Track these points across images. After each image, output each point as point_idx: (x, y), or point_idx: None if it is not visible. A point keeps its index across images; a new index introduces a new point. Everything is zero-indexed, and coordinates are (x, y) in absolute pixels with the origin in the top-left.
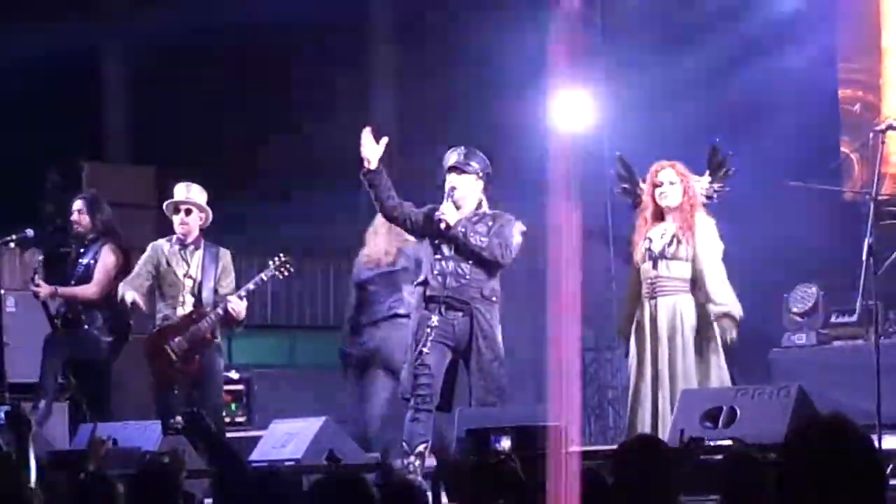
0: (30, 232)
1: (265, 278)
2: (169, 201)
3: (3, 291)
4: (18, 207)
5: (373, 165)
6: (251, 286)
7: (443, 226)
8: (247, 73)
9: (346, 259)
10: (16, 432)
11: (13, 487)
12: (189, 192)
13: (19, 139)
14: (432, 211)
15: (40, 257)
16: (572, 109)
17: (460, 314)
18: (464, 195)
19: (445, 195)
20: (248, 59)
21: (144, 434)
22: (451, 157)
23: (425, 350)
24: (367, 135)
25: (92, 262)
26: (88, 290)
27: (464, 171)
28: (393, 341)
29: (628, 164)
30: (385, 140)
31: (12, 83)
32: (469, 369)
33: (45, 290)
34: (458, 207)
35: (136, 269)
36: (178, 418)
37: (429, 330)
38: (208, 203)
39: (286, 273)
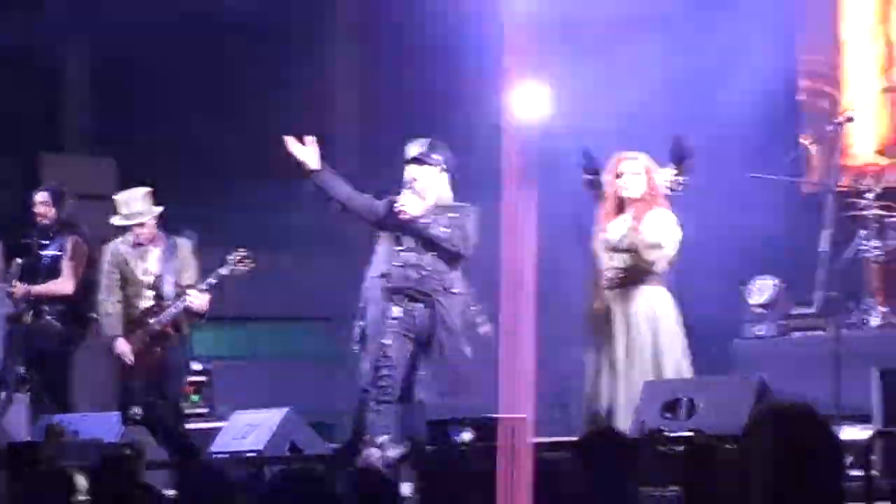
0: None
1: (225, 272)
2: (119, 218)
3: None
4: None
5: (315, 166)
6: (212, 280)
7: (403, 217)
8: (210, 67)
9: (306, 250)
10: None
11: None
12: (134, 207)
13: None
14: (393, 202)
15: (20, 261)
16: (530, 102)
17: (422, 306)
18: (425, 187)
19: (405, 186)
20: (211, 52)
21: (104, 425)
22: (413, 149)
23: (387, 342)
24: (290, 141)
25: (58, 254)
26: (62, 286)
27: (425, 163)
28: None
29: (592, 155)
30: (311, 139)
31: None
32: (431, 361)
33: (20, 290)
34: (420, 199)
35: (105, 279)
36: (137, 409)
37: (390, 322)
38: (162, 196)
39: (245, 267)
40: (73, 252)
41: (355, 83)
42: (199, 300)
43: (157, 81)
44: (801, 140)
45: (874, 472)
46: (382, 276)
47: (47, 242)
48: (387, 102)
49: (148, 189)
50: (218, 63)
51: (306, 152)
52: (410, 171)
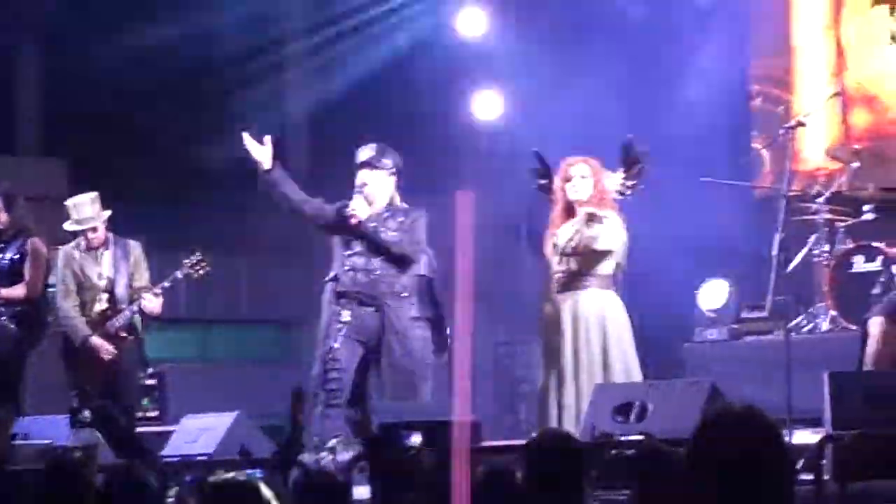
0: None
1: (180, 276)
2: (71, 224)
3: None
4: None
5: (267, 165)
6: (166, 284)
7: (353, 221)
8: (166, 72)
9: (259, 254)
10: None
11: None
12: (85, 212)
13: None
14: (343, 207)
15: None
16: (484, 105)
17: (371, 309)
18: (375, 191)
19: (356, 190)
20: (166, 57)
21: (55, 428)
22: (363, 154)
23: (336, 346)
24: (248, 139)
25: (16, 257)
26: (28, 290)
27: (376, 167)
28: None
29: (544, 159)
30: (269, 138)
31: None
32: (381, 365)
33: None
34: (369, 203)
35: (62, 284)
36: (87, 412)
37: (339, 325)
38: (111, 199)
39: (201, 271)
40: (35, 256)
41: (310, 88)
42: (153, 303)
43: (110, 84)
44: (754, 144)
45: (825, 477)
46: (332, 280)
47: (3, 246)
48: (341, 110)
49: (96, 193)
50: (173, 67)
51: (261, 151)
52: (361, 176)
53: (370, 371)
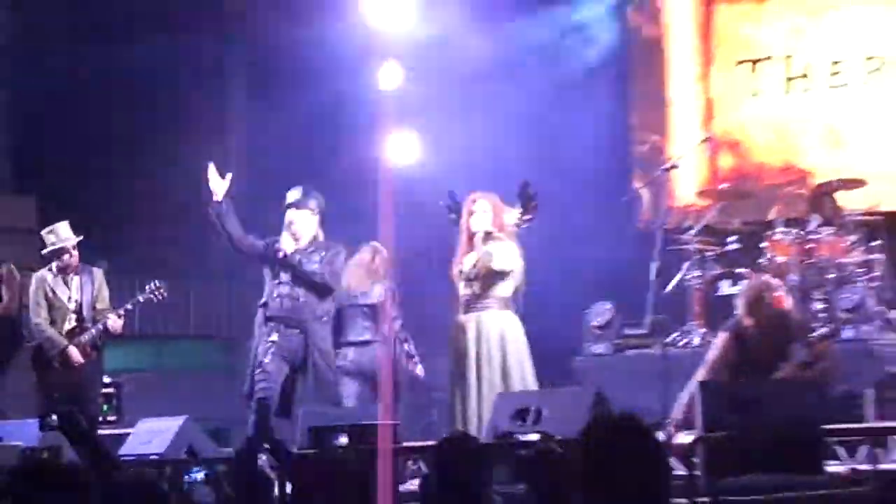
0: None
1: (141, 300)
2: (48, 251)
3: None
4: None
5: (218, 198)
6: (129, 306)
7: (280, 255)
8: (119, 113)
9: (206, 279)
10: None
11: None
12: (60, 236)
13: None
14: (273, 242)
15: None
16: (400, 148)
17: (296, 331)
18: (300, 228)
19: (284, 228)
20: (121, 100)
21: (23, 431)
22: (291, 195)
23: (266, 361)
24: (211, 170)
25: None
26: (7, 309)
27: (301, 208)
28: (364, 361)
29: (456, 197)
30: (229, 175)
31: None
32: (307, 381)
33: None
34: (295, 239)
35: (34, 303)
36: (54, 417)
37: (269, 345)
38: (79, 228)
39: (159, 297)
40: (8, 280)
41: (245, 134)
42: (116, 323)
43: (73, 126)
44: (635, 184)
45: (696, 472)
46: (263, 305)
47: None
48: (274, 152)
49: (67, 221)
50: (126, 109)
51: (219, 184)
52: (288, 215)
53: (296, 385)
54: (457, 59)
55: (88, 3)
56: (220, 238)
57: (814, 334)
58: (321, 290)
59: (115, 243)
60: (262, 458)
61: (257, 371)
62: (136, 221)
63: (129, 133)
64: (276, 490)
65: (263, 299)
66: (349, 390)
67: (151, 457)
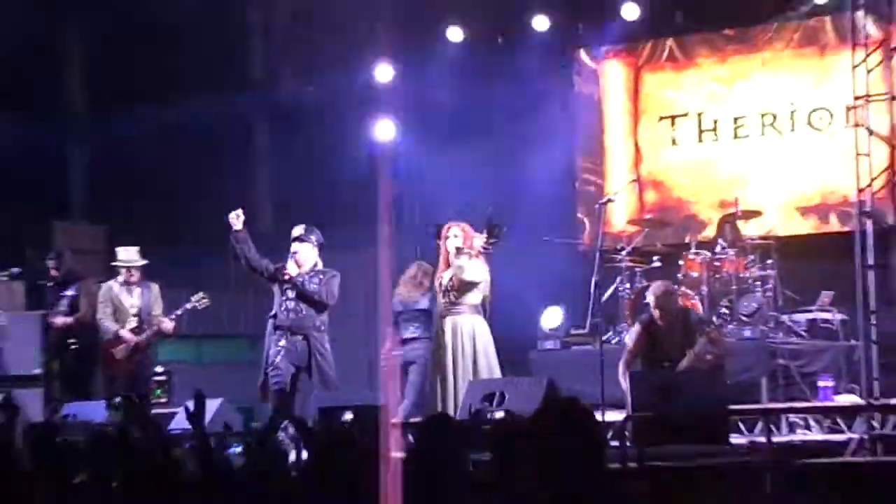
0: (15, 270)
1: (189, 308)
2: (117, 264)
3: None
4: (5, 253)
5: (238, 227)
6: (179, 312)
7: (286, 277)
8: (175, 158)
9: (236, 290)
10: (6, 412)
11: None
12: (129, 256)
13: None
14: (281, 266)
15: (66, 317)
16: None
17: (300, 338)
18: (302, 257)
19: (290, 256)
20: (175, 148)
21: (95, 411)
22: (296, 231)
23: (277, 360)
24: (234, 214)
25: (74, 294)
26: (72, 319)
27: (304, 241)
28: (409, 354)
29: (440, 226)
30: (240, 210)
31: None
32: (312, 380)
33: (59, 321)
34: (298, 265)
35: (102, 307)
36: (118, 400)
37: (278, 348)
38: (145, 250)
39: (203, 306)
40: (87, 293)
41: (268, 169)
42: (168, 325)
43: (137, 168)
44: (579, 214)
45: (627, 443)
46: (272, 316)
47: (61, 288)
48: (292, 186)
49: (138, 247)
50: (176, 153)
51: (237, 217)
52: (294, 246)
53: (300, 382)
54: (439, 113)
55: (144, 69)
56: (238, 260)
57: (710, 328)
58: (319, 306)
59: (168, 262)
60: (282, 432)
61: (270, 369)
62: (183, 244)
63: (176, 172)
64: (293, 456)
65: (273, 311)
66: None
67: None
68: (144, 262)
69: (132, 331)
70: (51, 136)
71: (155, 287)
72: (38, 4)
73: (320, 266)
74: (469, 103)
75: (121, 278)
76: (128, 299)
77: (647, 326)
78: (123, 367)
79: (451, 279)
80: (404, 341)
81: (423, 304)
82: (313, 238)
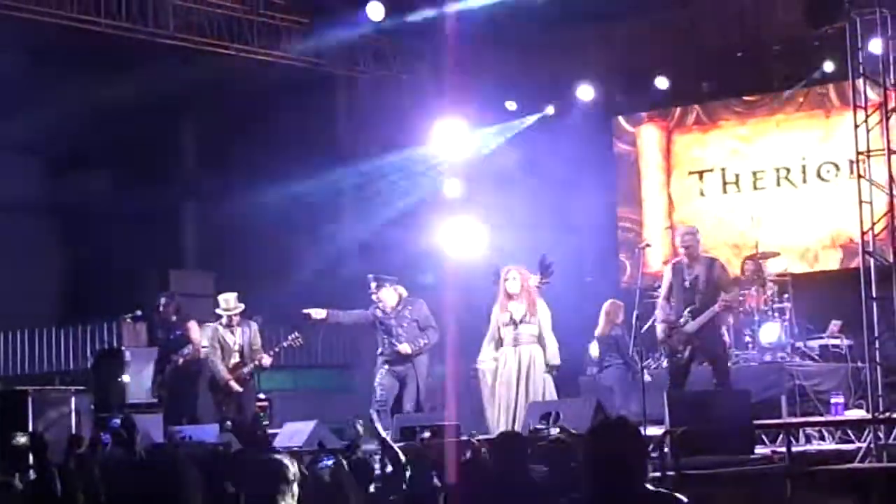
0: (138, 313)
1: (285, 345)
2: (220, 310)
3: (125, 347)
4: (129, 298)
5: (322, 316)
6: (276, 349)
7: (385, 308)
8: (271, 221)
9: (327, 327)
10: (128, 431)
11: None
12: (230, 304)
13: (124, 254)
14: (374, 310)
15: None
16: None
17: (401, 367)
18: (385, 299)
19: (375, 302)
20: (273, 214)
21: (208, 433)
22: (372, 284)
23: (382, 380)
24: (312, 313)
25: (180, 333)
26: (195, 355)
27: (381, 287)
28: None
29: (498, 270)
30: (309, 310)
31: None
32: (411, 399)
33: (180, 358)
34: (384, 309)
35: (210, 346)
36: (228, 423)
37: (382, 373)
38: (244, 295)
39: (298, 344)
40: (196, 332)
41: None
42: (267, 361)
43: (239, 226)
44: (620, 257)
45: (665, 454)
46: (380, 354)
47: (172, 328)
48: (373, 242)
49: (237, 293)
50: (276, 221)
51: (316, 313)
52: (373, 287)
53: (404, 396)
54: (494, 170)
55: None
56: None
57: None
58: (415, 333)
59: (268, 304)
60: (369, 447)
61: (377, 387)
62: (278, 289)
63: (275, 234)
64: (378, 468)
65: (379, 349)
66: None
67: (294, 448)
68: (241, 306)
69: (235, 365)
70: (159, 189)
71: (254, 325)
72: (161, 96)
73: (405, 295)
74: (524, 164)
75: (224, 320)
76: (230, 338)
77: (674, 266)
78: (229, 395)
79: (524, 317)
80: (602, 367)
81: (617, 332)
82: (387, 283)
